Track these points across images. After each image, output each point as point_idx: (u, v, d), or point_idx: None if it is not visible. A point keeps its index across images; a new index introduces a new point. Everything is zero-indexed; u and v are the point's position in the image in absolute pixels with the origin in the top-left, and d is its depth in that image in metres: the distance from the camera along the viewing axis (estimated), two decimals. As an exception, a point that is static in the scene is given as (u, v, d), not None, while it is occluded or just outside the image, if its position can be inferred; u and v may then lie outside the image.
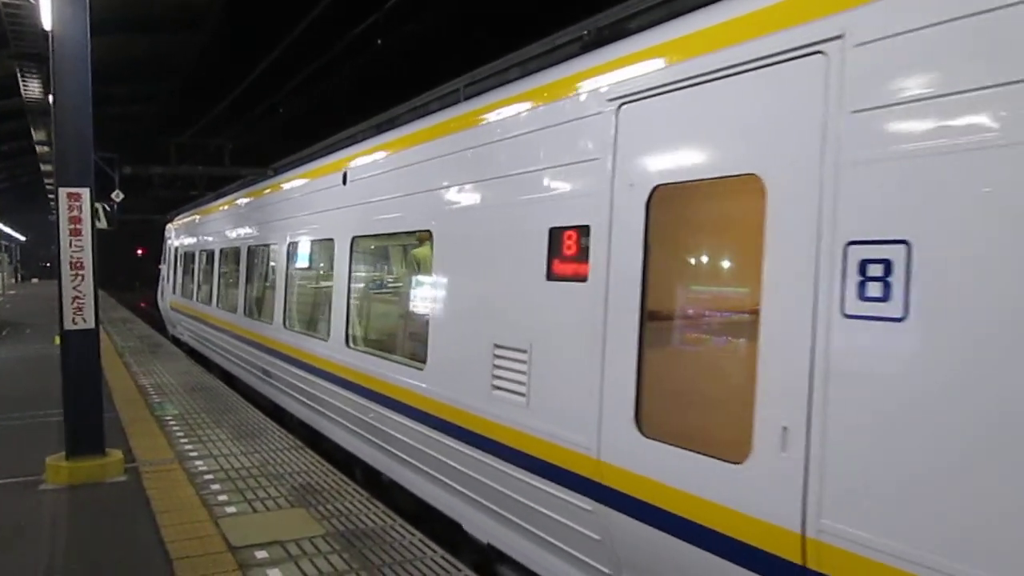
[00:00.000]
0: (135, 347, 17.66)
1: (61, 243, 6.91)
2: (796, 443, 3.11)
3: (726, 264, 4.39)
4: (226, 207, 14.99)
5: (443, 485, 6.01)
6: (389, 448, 6.94)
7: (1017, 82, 2.54)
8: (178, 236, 20.91)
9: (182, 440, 8.52)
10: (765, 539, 3.24)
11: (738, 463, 3.38)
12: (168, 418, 9.67)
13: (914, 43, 2.86)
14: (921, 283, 2.77)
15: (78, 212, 6.91)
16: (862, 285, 2.94)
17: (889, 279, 2.86)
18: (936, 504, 2.68)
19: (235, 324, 12.63)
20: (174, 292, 20.17)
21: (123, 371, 13.67)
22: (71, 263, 6.92)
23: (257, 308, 11.83)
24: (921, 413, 2.75)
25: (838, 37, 3.10)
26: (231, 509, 6.23)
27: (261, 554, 5.29)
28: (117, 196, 20.25)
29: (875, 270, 2.91)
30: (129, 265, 55.61)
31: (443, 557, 5.28)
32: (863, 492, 2.89)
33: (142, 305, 36.19)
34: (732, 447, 3.42)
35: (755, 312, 3.37)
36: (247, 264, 12.45)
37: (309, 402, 9.06)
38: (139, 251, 55.23)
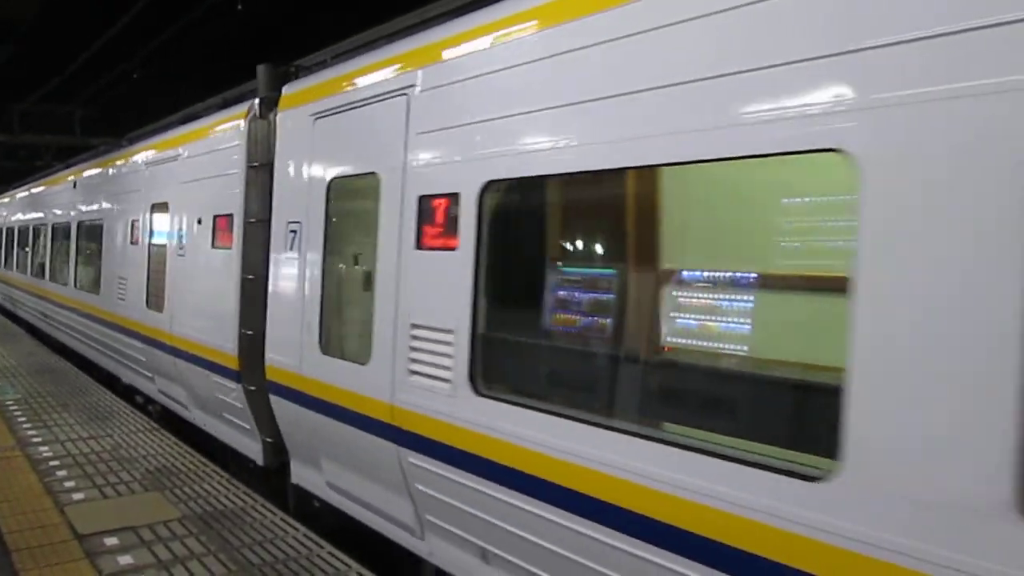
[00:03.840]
0: (-27, 328, 16.40)
1: None
2: (169, 306, 7.76)
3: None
4: (19, 195, 19.46)
5: (125, 367, 10.26)
6: (100, 349, 11.27)
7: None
8: None
9: (24, 425, 8.01)
10: (164, 339, 8.15)
11: (161, 312, 8.18)
12: (9, 402, 9.07)
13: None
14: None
15: None
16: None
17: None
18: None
19: (27, 283, 16.95)
20: None
21: (-42, 354, 12.67)
22: None
23: (39, 270, 15.95)
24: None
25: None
26: (79, 496, 5.93)
27: (111, 541, 5.07)
28: (-52, 165, 18.74)
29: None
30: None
31: (304, 535, 5.24)
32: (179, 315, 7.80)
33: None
34: (161, 307, 8.15)
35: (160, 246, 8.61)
36: (32, 239, 16.74)
37: (66, 330, 13.59)
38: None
